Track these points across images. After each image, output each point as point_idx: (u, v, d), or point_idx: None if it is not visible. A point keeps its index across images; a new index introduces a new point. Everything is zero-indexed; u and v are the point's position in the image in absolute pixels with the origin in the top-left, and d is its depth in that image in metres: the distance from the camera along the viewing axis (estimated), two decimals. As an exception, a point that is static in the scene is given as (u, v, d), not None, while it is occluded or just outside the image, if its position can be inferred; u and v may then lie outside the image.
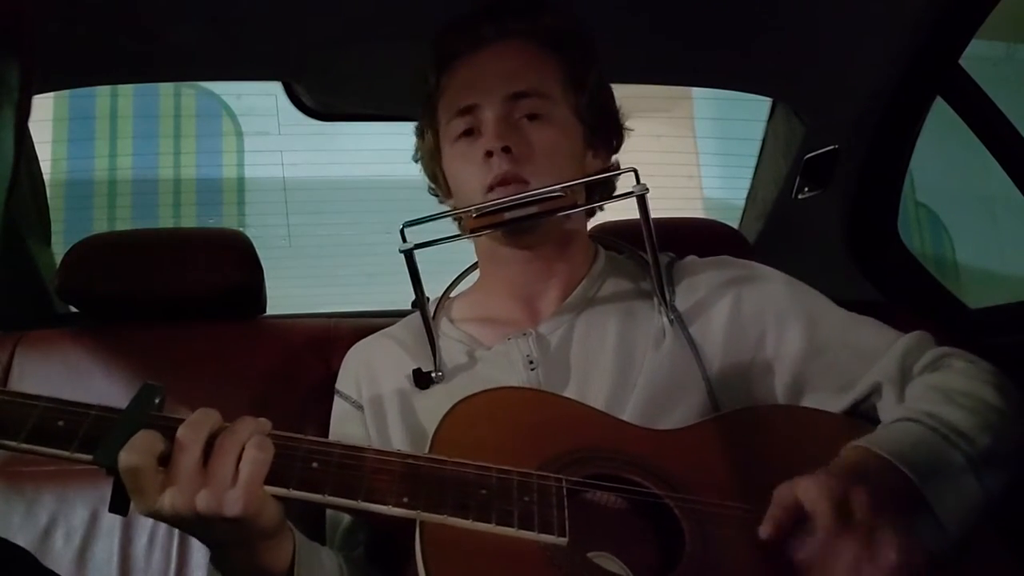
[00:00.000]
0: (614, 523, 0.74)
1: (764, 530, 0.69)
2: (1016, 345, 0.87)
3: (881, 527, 0.65)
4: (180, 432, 0.63)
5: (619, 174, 0.94)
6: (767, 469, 0.72)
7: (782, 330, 0.90)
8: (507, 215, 0.88)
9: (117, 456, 0.62)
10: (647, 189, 0.86)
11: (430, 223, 0.89)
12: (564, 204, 0.89)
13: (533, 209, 0.87)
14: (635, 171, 0.87)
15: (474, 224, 0.90)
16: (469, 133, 0.93)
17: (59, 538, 1.06)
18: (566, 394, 0.85)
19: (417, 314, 0.97)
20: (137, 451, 0.62)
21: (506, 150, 0.89)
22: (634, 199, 0.87)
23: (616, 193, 0.94)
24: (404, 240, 0.85)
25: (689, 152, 3.91)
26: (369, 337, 1.02)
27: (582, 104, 0.97)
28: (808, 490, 0.67)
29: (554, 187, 0.87)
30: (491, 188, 0.89)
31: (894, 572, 0.64)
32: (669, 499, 0.73)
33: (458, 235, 0.97)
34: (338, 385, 0.99)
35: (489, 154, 0.89)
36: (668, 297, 0.92)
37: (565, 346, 0.91)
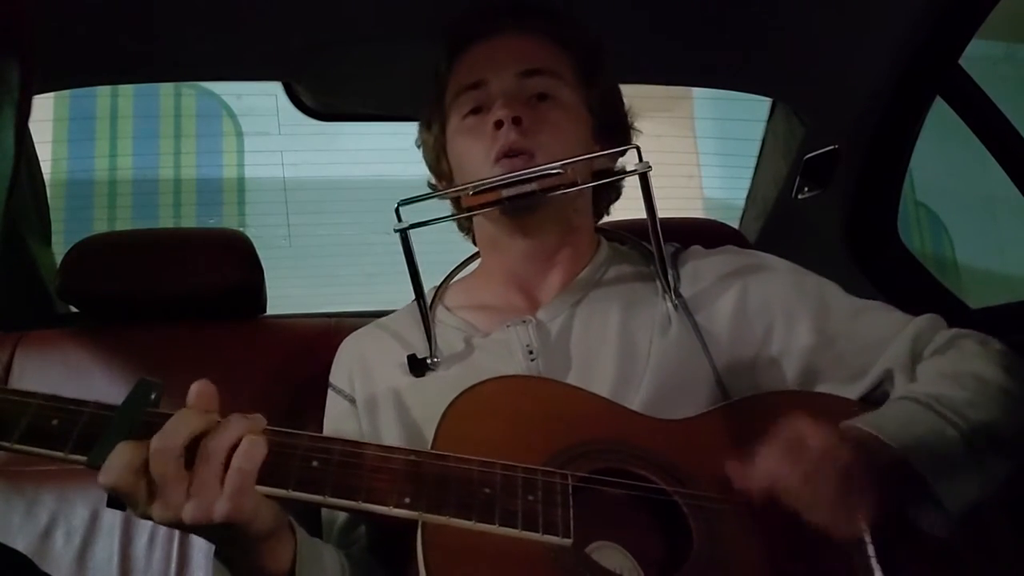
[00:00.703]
0: (621, 518, 0.74)
1: (731, 466, 0.71)
2: (1016, 345, 0.87)
3: (816, 464, 0.68)
4: (152, 443, 0.61)
5: (622, 151, 0.93)
6: None
7: (790, 323, 0.89)
8: (505, 192, 0.86)
9: None
10: (649, 167, 0.85)
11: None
12: (564, 182, 0.87)
13: (532, 186, 0.86)
14: (637, 148, 0.86)
15: (471, 202, 0.88)
16: (477, 111, 0.93)
17: (59, 538, 1.06)
18: None
19: (412, 304, 0.96)
20: (115, 469, 0.60)
21: (516, 121, 0.87)
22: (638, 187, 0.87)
23: (619, 172, 0.93)
24: (400, 220, 0.85)
25: (689, 152, 3.91)
26: (363, 328, 1.01)
27: (593, 98, 0.96)
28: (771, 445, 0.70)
29: (554, 164, 0.86)
30: (497, 160, 0.88)
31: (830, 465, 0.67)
32: (676, 496, 0.72)
33: (455, 214, 0.96)
34: (331, 378, 0.97)
35: (498, 125, 0.88)
36: (672, 282, 0.91)
37: (566, 334, 0.89)
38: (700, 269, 0.94)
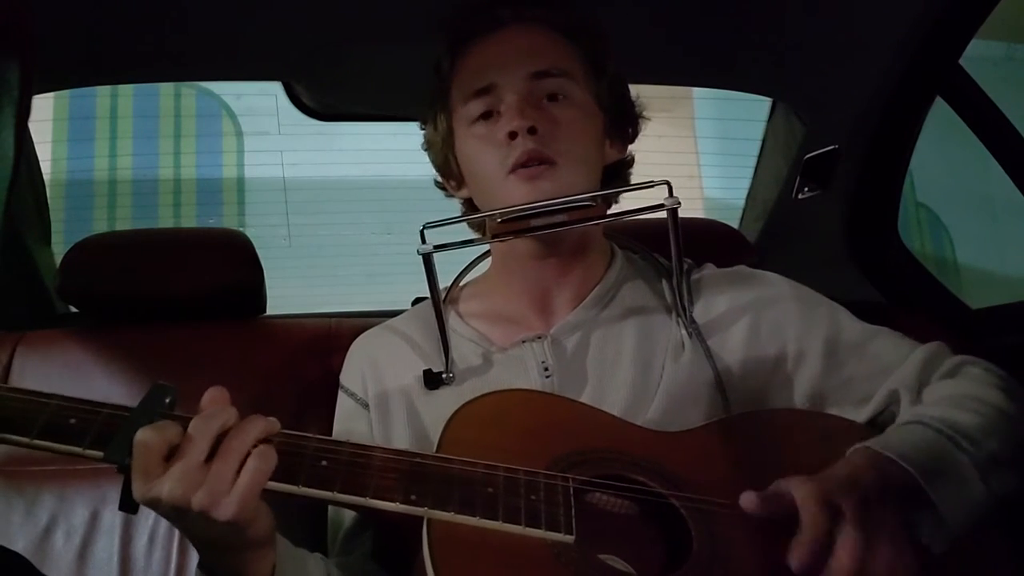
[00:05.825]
0: (621, 523, 0.74)
1: (746, 501, 0.69)
2: (1017, 345, 0.87)
3: (871, 534, 0.65)
4: (192, 424, 0.64)
5: (652, 185, 0.89)
6: (774, 470, 0.72)
7: (801, 350, 0.89)
8: (534, 222, 0.85)
9: (128, 454, 0.62)
10: (679, 203, 0.84)
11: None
12: (593, 214, 0.86)
13: (561, 217, 0.84)
14: (668, 184, 0.84)
15: (497, 229, 0.86)
16: (487, 116, 0.90)
17: (59, 538, 1.06)
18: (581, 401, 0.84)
19: (423, 306, 0.96)
20: (155, 432, 0.63)
21: (532, 131, 0.85)
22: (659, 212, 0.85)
23: (645, 206, 0.91)
24: (424, 242, 0.83)
25: (689, 152, 3.91)
26: (374, 330, 1.00)
27: (602, 91, 0.94)
28: (801, 487, 0.68)
29: (584, 195, 0.85)
30: (513, 170, 0.86)
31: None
32: (675, 499, 0.73)
33: (479, 239, 0.94)
34: (343, 380, 0.97)
35: (512, 135, 0.86)
36: (687, 308, 0.91)
37: (581, 353, 0.89)
38: (714, 296, 0.93)
